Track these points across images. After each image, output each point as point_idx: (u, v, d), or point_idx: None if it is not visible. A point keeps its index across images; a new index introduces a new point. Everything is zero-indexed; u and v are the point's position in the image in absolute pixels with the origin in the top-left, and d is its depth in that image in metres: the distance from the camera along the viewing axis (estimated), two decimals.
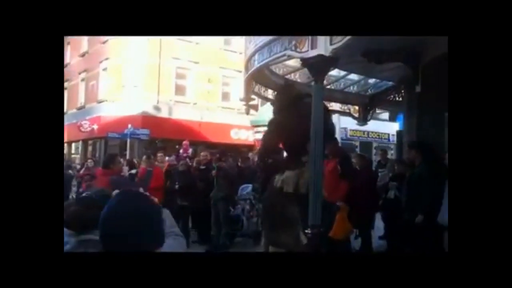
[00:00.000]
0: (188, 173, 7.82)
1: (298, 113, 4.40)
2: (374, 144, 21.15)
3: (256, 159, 11.96)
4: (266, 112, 17.56)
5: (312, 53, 4.18)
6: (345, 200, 5.43)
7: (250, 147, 18.27)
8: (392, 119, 20.65)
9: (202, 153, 8.55)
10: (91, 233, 1.73)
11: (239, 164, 9.01)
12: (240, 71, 17.50)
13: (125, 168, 7.03)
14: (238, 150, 16.14)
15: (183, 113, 17.86)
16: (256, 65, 5.39)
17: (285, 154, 5.15)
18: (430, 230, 4.38)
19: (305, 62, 4.25)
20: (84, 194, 1.90)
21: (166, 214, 1.59)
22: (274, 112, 5.02)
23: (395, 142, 20.43)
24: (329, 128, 5.40)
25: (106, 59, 18.38)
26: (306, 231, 4.07)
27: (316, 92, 4.22)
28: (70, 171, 11.95)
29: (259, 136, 18.28)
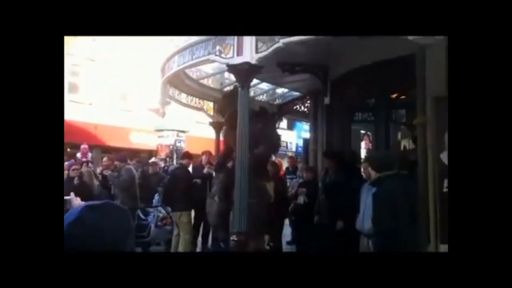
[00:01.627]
0: (89, 180, 7.20)
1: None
2: None
3: (162, 165, 11.58)
4: (171, 118, 17.09)
5: (238, 59, 4.20)
6: None
7: (151, 152, 17.54)
8: (289, 127, 21.79)
9: (104, 159, 8.01)
10: None
11: (149, 170, 8.57)
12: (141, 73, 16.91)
13: None
14: (138, 155, 15.34)
15: (76, 114, 16.42)
16: (176, 67, 5.21)
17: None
18: (346, 234, 4.64)
19: (232, 68, 4.24)
20: None
21: None
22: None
23: (292, 149, 21.56)
24: (274, 139, 5.59)
25: None
26: (232, 238, 4.03)
27: (242, 98, 4.24)
28: None
29: (163, 141, 17.69)
